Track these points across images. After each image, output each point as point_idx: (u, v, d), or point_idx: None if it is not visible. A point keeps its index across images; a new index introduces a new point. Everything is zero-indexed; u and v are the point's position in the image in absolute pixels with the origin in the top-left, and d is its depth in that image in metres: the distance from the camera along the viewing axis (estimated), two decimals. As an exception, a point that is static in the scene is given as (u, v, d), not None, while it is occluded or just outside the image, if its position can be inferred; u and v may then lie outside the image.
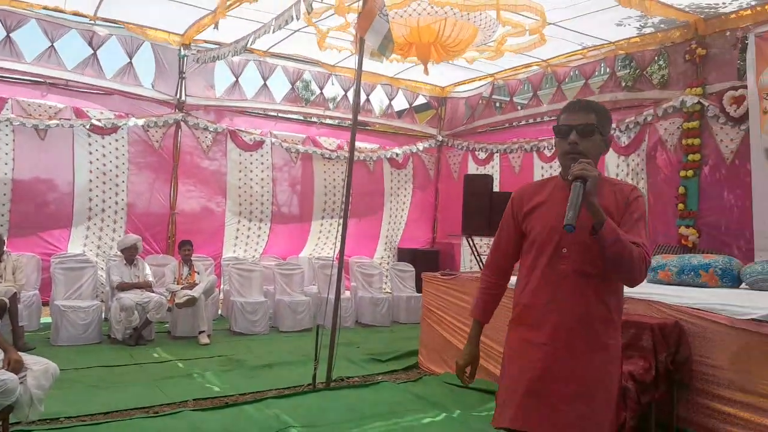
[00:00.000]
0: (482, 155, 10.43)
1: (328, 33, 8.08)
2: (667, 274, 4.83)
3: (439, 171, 11.47)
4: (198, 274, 7.33)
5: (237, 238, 9.32)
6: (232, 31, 7.79)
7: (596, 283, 2.02)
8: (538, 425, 2.02)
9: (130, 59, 8.46)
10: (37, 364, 3.45)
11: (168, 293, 7.00)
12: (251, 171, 9.48)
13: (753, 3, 6.72)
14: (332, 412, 4.41)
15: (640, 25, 7.75)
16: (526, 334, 2.14)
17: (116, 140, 8.37)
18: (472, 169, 10.51)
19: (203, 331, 6.80)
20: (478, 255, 8.49)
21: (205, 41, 8.76)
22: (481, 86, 10.58)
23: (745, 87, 6.69)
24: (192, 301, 6.79)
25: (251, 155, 9.49)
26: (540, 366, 2.05)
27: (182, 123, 8.81)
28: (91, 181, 8.19)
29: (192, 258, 7.46)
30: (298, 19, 6.51)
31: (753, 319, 3.38)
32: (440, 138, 11.27)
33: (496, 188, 9.11)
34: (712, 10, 7.02)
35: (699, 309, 3.69)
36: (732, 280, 4.57)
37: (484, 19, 7.14)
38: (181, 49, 8.70)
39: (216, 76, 9.30)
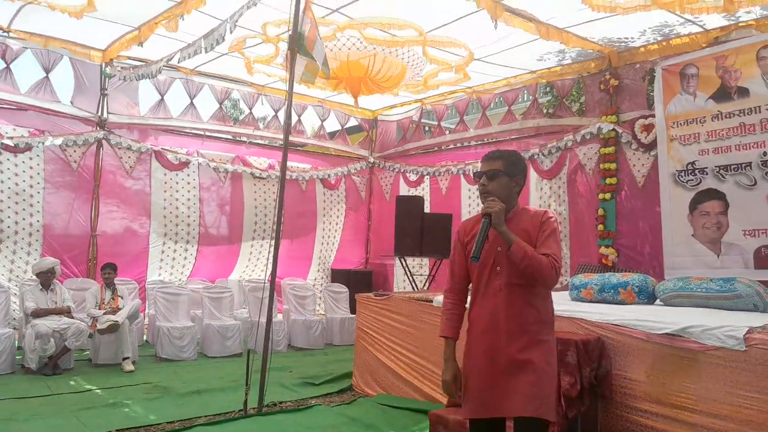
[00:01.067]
0: (413, 177, 10.63)
1: (256, 61, 8.12)
2: (589, 292, 5.08)
3: (371, 192, 11.58)
4: (121, 298, 7.03)
5: (162, 260, 9.01)
6: (157, 49, 7.63)
7: (525, 291, 2.46)
8: (497, 411, 2.43)
9: (47, 74, 8.09)
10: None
11: (89, 319, 6.66)
12: (177, 191, 9.22)
13: (659, 38, 7.28)
14: (265, 439, 4.33)
15: (559, 60, 8.23)
16: (476, 340, 2.54)
17: (30, 158, 7.94)
18: (404, 190, 10.69)
19: (127, 358, 6.51)
20: (411, 275, 8.61)
21: (129, 58, 8.53)
22: (411, 110, 10.84)
23: (654, 116, 7.21)
24: (115, 327, 6.50)
25: (177, 174, 9.24)
26: (487, 364, 2.46)
27: (104, 141, 8.49)
28: (2, 201, 7.71)
29: (115, 281, 7.14)
30: (224, 40, 6.48)
31: (667, 334, 3.62)
32: (372, 160, 11.40)
33: (427, 209, 9.29)
34: (623, 43, 7.54)
35: (618, 325, 3.91)
36: (648, 296, 4.87)
37: (412, 56, 7.39)
38: (103, 65, 8.41)
39: (140, 94, 9.06)
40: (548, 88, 9.71)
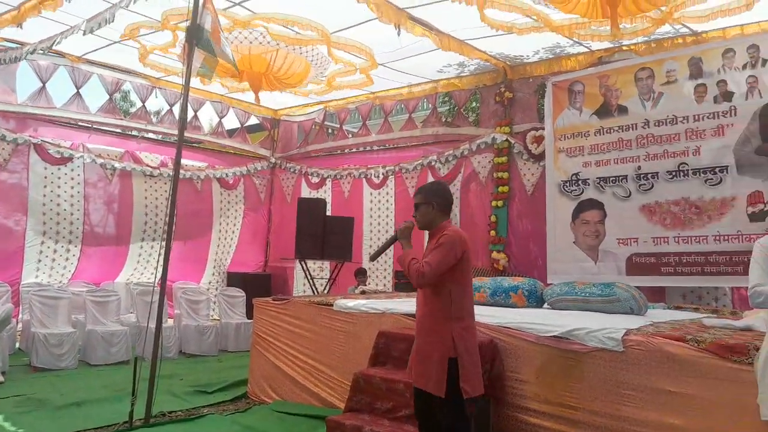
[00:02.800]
0: (315, 179, 10.55)
1: (152, 50, 7.72)
2: (482, 296, 5.27)
3: (272, 193, 11.35)
4: (-11, 303, 6.39)
5: (40, 261, 8.31)
6: (39, 32, 7.03)
7: (427, 292, 3.18)
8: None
9: None
10: None
11: (-51, 326, 6.00)
12: (59, 187, 8.56)
13: (551, 56, 7.72)
14: (153, 452, 4.10)
15: (459, 74, 8.52)
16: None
17: None
18: (305, 192, 10.59)
19: (-5, 369, 5.93)
20: (312, 279, 8.53)
21: (5, 39, 7.80)
22: (314, 112, 10.76)
23: (544, 128, 7.64)
24: (-19, 335, 5.90)
25: (59, 169, 8.58)
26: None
27: (-28, 130, 7.71)
28: None
29: (-18, 285, 6.49)
30: (110, 23, 6.11)
31: (554, 336, 3.82)
32: (273, 160, 11.19)
33: (329, 212, 9.25)
34: (518, 59, 7.93)
35: (510, 328, 4.09)
36: (537, 300, 5.14)
37: (317, 56, 7.35)
38: (-25, 46, 7.64)
39: (18, 80, 8.30)
40: (447, 98, 10.01)
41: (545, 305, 5.18)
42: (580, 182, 7.19)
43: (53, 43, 6.48)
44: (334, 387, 5.03)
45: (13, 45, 7.72)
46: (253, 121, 11.28)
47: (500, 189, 8.08)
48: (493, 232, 8.05)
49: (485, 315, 4.39)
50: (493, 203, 8.13)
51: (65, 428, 4.48)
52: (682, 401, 3.31)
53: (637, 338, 3.55)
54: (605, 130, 7.03)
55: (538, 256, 7.58)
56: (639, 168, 6.72)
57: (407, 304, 5.15)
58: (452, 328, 3.08)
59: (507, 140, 8.06)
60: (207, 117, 12.18)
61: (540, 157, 7.72)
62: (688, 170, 6.36)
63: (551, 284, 5.54)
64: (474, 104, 10.06)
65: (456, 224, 8.56)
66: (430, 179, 9.07)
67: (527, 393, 3.88)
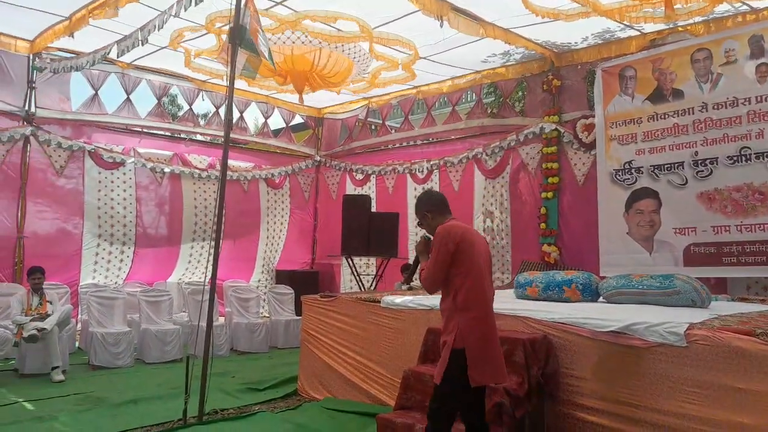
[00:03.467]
0: (359, 176, 10.54)
1: (198, 55, 7.84)
2: (534, 290, 5.12)
3: (317, 191, 11.41)
4: (50, 303, 6.61)
5: (96, 263, 8.58)
6: (89, 41, 7.24)
7: (441, 290, 3.27)
8: None
9: (-33, 66, 7.58)
10: None
11: (14, 326, 6.24)
12: (112, 190, 8.81)
13: (599, 41, 7.45)
14: (206, 449, 4.14)
15: (504, 63, 8.33)
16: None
17: (-51, 156, 7.40)
18: (350, 189, 10.59)
19: (57, 367, 6.12)
20: (359, 275, 8.51)
21: (60, 49, 8.06)
22: (357, 109, 10.74)
23: (594, 116, 7.39)
24: (44, 334, 6.10)
25: (112, 173, 8.83)
26: None
27: (31, 138, 7.99)
28: None
29: (43, 286, 6.72)
30: (160, 29, 6.22)
31: (612, 331, 3.66)
32: (318, 158, 11.24)
33: (373, 209, 9.22)
34: (565, 46, 7.69)
35: (564, 323, 3.93)
36: (591, 294, 4.95)
37: (358, 52, 7.30)
38: (31, 56, 7.92)
39: (72, 88, 8.59)
40: (492, 89, 9.84)
41: (600, 299, 4.98)
42: (633, 171, 6.93)
43: (108, 53, 6.65)
44: (384, 384, 4.98)
45: (67, 55, 7.98)
46: (297, 120, 11.35)
47: (550, 180, 7.86)
48: (543, 225, 7.85)
49: (538, 310, 4.25)
50: (543, 195, 7.92)
51: (123, 426, 4.58)
52: (752, 399, 3.10)
53: (702, 332, 3.35)
54: (659, 115, 6.75)
55: (590, 248, 7.34)
56: (696, 154, 6.43)
57: (456, 299, 5.06)
58: (459, 321, 3.12)
59: (556, 129, 7.83)
60: (252, 118, 12.37)
61: (591, 146, 7.48)
62: (750, 154, 6.04)
63: (606, 277, 5.33)
64: (520, 94, 9.83)
65: (507, 218, 8.53)
66: (477, 173, 8.94)
67: (584, 390, 3.73)
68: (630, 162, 6.97)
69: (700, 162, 6.38)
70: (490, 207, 8.79)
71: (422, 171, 9.57)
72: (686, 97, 6.50)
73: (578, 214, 7.67)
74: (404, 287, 7.78)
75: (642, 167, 6.86)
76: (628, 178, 6.97)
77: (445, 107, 9.88)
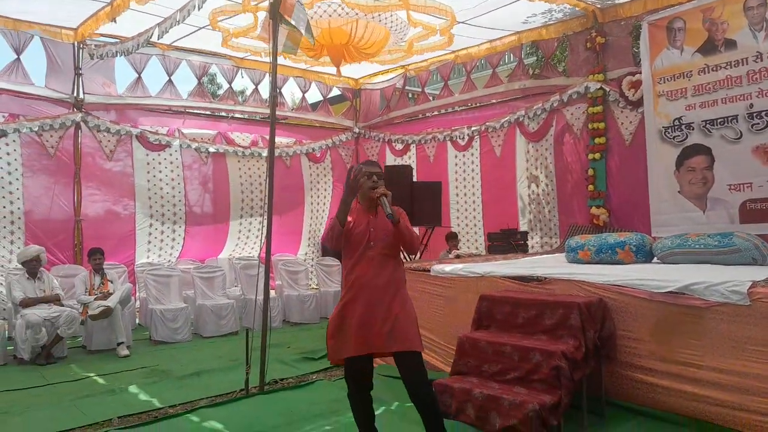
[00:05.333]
0: (399, 146, 10.51)
1: (236, 35, 7.86)
2: (586, 254, 5.07)
3: (357, 163, 11.42)
4: (111, 282, 6.90)
5: (150, 242, 8.86)
6: (131, 25, 7.36)
7: (390, 259, 3.31)
8: (372, 347, 3.22)
9: (18, 56, 7.81)
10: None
11: (80, 305, 6.55)
12: (160, 171, 9.03)
13: (645, -7, 7.16)
14: (270, 417, 4.30)
15: (545, 22, 8.09)
16: (356, 295, 3.26)
17: (7, 144, 7.70)
18: (390, 159, 10.58)
19: (122, 343, 6.43)
20: (403, 245, 8.55)
21: (103, 35, 8.22)
22: (394, 77, 10.64)
23: (641, 72, 7.15)
24: (107, 312, 6.39)
25: (159, 155, 9.04)
26: (366, 312, 3.22)
27: (82, 124, 8.24)
28: (-21, 189, 7.50)
29: (103, 266, 7.01)
30: (199, 9, 6.27)
31: (669, 292, 3.61)
32: (357, 130, 11.25)
33: (415, 178, 9.20)
34: (609, 1, 7.42)
35: (620, 285, 3.90)
36: (645, 255, 4.88)
37: (395, 21, 7.20)
38: (76, 44, 8.11)
39: (116, 73, 8.78)
40: (533, 49, 9.58)
41: (655, 260, 4.91)
42: (683, 127, 6.72)
43: (151, 36, 6.76)
44: (437, 350, 5.06)
45: (110, 40, 8.14)
46: (334, 92, 11.34)
47: (597, 140, 7.68)
48: (591, 187, 7.70)
49: (591, 273, 4.22)
50: (590, 156, 7.75)
51: (189, 397, 4.78)
52: (820, 356, 3.04)
53: (766, 290, 3.28)
54: (711, 68, 6.49)
55: (640, 209, 7.18)
56: (751, 106, 6.17)
57: (506, 266, 5.07)
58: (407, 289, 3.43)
59: (601, 88, 7.62)
60: (290, 92, 12.41)
61: (638, 104, 7.26)
62: (810, 104, 5.77)
63: (660, 238, 5.24)
64: (562, 53, 9.57)
65: (552, 182, 8.42)
66: (519, 137, 8.80)
67: (642, 352, 3.72)
68: (680, 118, 6.74)
69: (755, 114, 6.13)
70: (534, 171, 8.67)
71: (463, 138, 9.48)
72: (739, 47, 6.22)
73: (626, 174, 7.49)
74: (451, 255, 7.83)
75: (693, 123, 6.63)
76: (679, 135, 6.76)
77: (484, 70, 9.68)
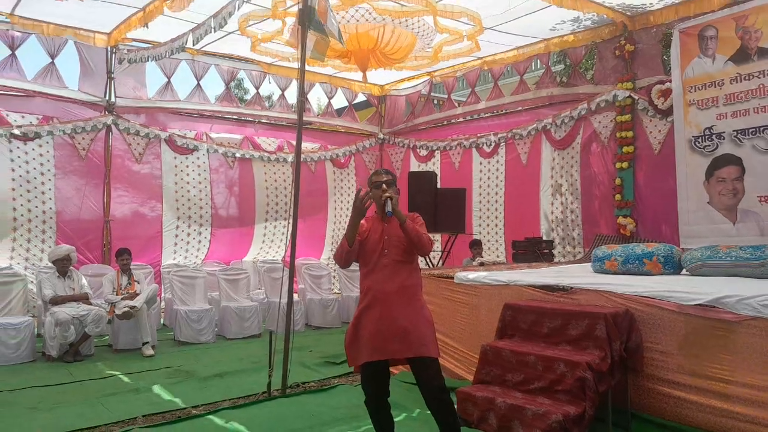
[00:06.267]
0: (423, 152, 10.51)
1: (264, 40, 7.95)
2: (613, 264, 5.00)
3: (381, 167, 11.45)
4: (138, 283, 7.01)
5: (176, 244, 8.99)
6: (162, 30, 7.49)
7: (407, 264, 3.35)
8: (386, 353, 3.23)
9: (53, 60, 8.01)
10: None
11: (107, 305, 6.67)
12: (187, 174, 9.17)
13: (676, 1, 7.07)
14: (292, 420, 4.32)
15: (573, 30, 8.04)
16: (370, 304, 3.29)
17: (40, 146, 7.90)
18: (414, 166, 10.58)
19: (147, 343, 6.52)
20: (426, 252, 8.53)
21: (135, 40, 8.39)
22: (419, 84, 10.66)
23: (671, 81, 7.05)
24: (134, 312, 6.49)
25: (187, 158, 9.17)
26: (379, 320, 3.24)
27: (113, 127, 8.40)
28: (14, 189, 7.70)
29: (131, 267, 7.12)
30: (232, 16, 6.36)
31: (699, 305, 3.54)
32: (381, 136, 11.28)
33: (438, 185, 9.18)
34: (639, 8, 7.34)
35: (648, 297, 3.84)
36: (674, 267, 4.79)
37: (422, 27, 7.22)
38: (109, 48, 8.29)
39: (147, 77, 8.94)
40: (561, 57, 9.52)
41: (684, 272, 4.82)
42: (714, 136, 6.60)
43: (185, 43, 6.87)
44: (460, 359, 5.03)
45: (142, 45, 8.30)
46: (360, 98, 11.40)
47: (624, 149, 7.59)
48: (618, 196, 7.61)
49: (618, 284, 4.16)
50: (618, 165, 7.66)
51: (212, 397, 4.82)
52: None
53: (800, 305, 3.20)
54: (743, 76, 6.37)
55: (668, 219, 7.07)
56: (785, 116, 6.03)
57: (531, 275, 5.02)
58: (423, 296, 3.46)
59: (630, 96, 7.53)
60: (316, 98, 12.50)
61: (668, 113, 7.16)
62: None
63: (689, 249, 5.14)
64: (591, 61, 9.49)
65: (577, 190, 8.33)
66: (545, 144, 8.73)
67: (669, 365, 3.65)
68: (710, 127, 6.63)
69: (788, 125, 6.00)
70: (560, 179, 8.60)
71: (489, 144, 9.44)
72: (773, 56, 6.10)
73: (655, 184, 7.39)
74: (475, 262, 7.79)
75: (723, 132, 6.51)
76: (709, 145, 6.65)
77: (511, 77, 9.64)
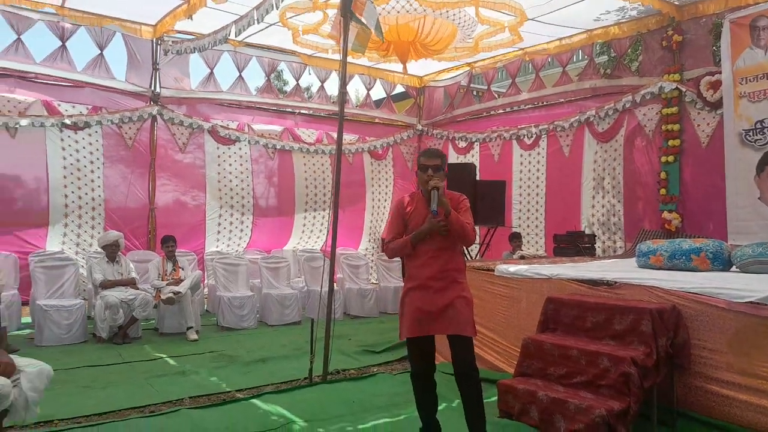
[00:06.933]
0: (462, 144, 10.46)
1: (305, 32, 8.00)
2: (658, 259, 4.91)
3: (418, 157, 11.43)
4: (182, 269, 7.21)
5: (219, 232, 9.20)
6: (206, 22, 7.62)
7: (449, 249, 3.43)
8: (426, 330, 3.42)
9: (101, 51, 8.23)
10: (29, 365, 3.34)
11: (153, 290, 6.87)
12: (230, 165, 9.34)
13: (728, -10, 6.86)
14: (333, 406, 4.39)
15: (618, 20, 7.87)
16: (408, 287, 3.52)
17: (89, 134, 8.15)
18: (453, 157, 10.55)
19: (191, 327, 6.70)
20: (465, 244, 8.52)
21: (179, 31, 8.56)
22: (459, 75, 10.59)
23: (721, 72, 6.86)
24: (179, 297, 6.68)
25: (229, 148, 9.34)
26: (424, 303, 3.40)
27: (158, 117, 8.61)
28: (65, 177, 7.98)
29: (176, 253, 7.32)
30: (277, 8, 6.43)
31: (750, 302, 3.46)
32: (420, 127, 11.26)
33: (477, 177, 9.13)
34: (690, -2, 7.15)
35: (696, 293, 3.77)
36: (723, 263, 4.68)
37: (463, 17, 7.18)
38: (154, 40, 8.48)
39: (190, 68, 9.12)
40: (605, 48, 9.33)
41: (733, 268, 4.70)
42: (765, 130, 6.40)
43: (228, 34, 6.99)
44: (499, 351, 5.03)
45: (186, 36, 8.46)
46: (398, 89, 11.39)
47: (670, 143, 7.42)
48: (663, 191, 7.45)
49: (664, 279, 4.09)
50: (663, 159, 7.50)
51: (255, 382, 4.95)
52: None
53: None
54: (797, 68, 6.16)
55: (716, 214, 6.90)
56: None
57: (573, 269, 4.98)
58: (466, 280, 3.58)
59: (677, 89, 7.35)
60: (354, 90, 12.53)
61: (717, 105, 6.97)
62: None
63: (738, 245, 5.01)
64: (636, 52, 9.28)
65: (619, 184, 8.20)
66: (587, 137, 8.60)
67: (718, 363, 3.58)
68: (762, 121, 6.43)
69: None
70: (602, 173, 8.46)
71: (530, 136, 9.34)
72: (831, 47, 5.88)
73: (702, 178, 7.21)
74: (515, 255, 7.74)
75: (776, 126, 6.32)
76: (760, 139, 6.45)
77: (553, 68, 9.50)
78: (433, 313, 3.38)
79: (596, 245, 8.09)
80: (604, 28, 8.15)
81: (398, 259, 9.26)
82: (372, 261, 9.82)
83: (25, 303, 7.08)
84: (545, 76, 9.49)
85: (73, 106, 8.07)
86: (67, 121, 7.89)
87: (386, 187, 11.07)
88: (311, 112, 10.35)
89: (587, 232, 8.30)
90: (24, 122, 7.54)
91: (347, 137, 10.53)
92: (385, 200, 11.06)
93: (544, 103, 9.38)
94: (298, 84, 10.11)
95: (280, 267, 8.17)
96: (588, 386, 3.62)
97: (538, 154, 9.34)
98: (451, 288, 3.39)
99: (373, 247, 10.72)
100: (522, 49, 9.14)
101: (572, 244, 7.57)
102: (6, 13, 7.42)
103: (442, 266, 3.40)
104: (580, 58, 9.85)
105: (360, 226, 10.64)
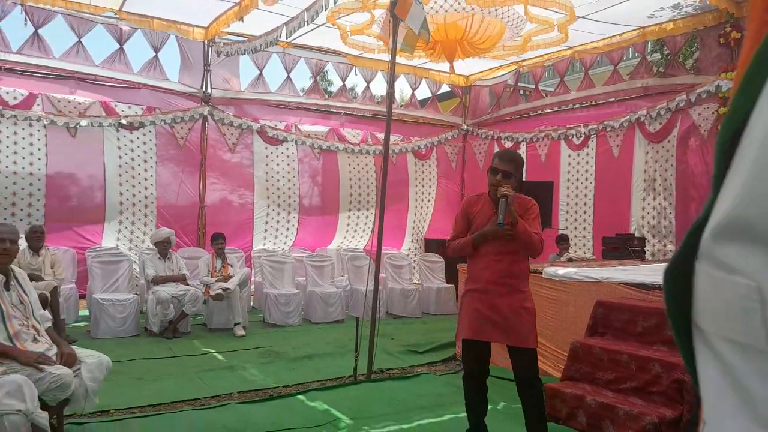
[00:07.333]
0: (508, 144, 10.34)
1: (353, 32, 8.06)
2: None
3: (464, 160, 11.40)
4: (231, 266, 7.37)
5: (266, 230, 9.37)
6: (255, 23, 7.77)
7: (514, 256, 3.31)
8: (484, 335, 3.33)
9: (156, 53, 8.50)
10: (90, 356, 3.49)
11: (203, 286, 7.05)
12: (277, 164, 9.50)
13: (792, -16, 6.56)
14: (377, 405, 4.42)
15: (672, 17, 7.64)
16: (467, 288, 3.45)
17: (143, 134, 8.43)
18: (497, 157, 10.42)
19: (239, 323, 6.85)
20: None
21: (230, 33, 8.75)
22: (505, 74, 10.48)
23: (783, 70, 6.58)
24: (227, 294, 6.84)
25: (277, 148, 9.50)
26: (484, 306, 3.31)
27: (209, 117, 8.83)
28: (120, 175, 8.28)
29: (225, 251, 7.50)
30: (326, 9, 6.50)
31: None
32: (465, 127, 11.20)
33: (524, 177, 9.03)
34: (749, -8, 6.87)
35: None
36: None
37: (511, 16, 7.10)
38: (206, 42, 8.70)
39: (240, 69, 9.31)
40: (658, 45, 9.08)
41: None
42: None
43: (279, 36, 7.12)
44: (546, 354, 4.96)
45: (237, 38, 8.65)
46: (443, 89, 11.35)
47: (727, 143, 7.16)
48: (719, 193, 7.19)
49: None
50: (720, 160, 7.24)
51: (301, 378, 5.02)
52: None
53: None
54: None
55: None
56: None
57: (624, 272, 4.88)
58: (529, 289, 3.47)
59: (734, 87, 7.09)
60: (398, 89, 12.54)
61: (776, 104, 6.68)
62: None
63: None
64: (690, 49, 8.99)
65: (671, 186, 7.96)
66: (638, 137, 8.39)
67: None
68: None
69: None
70: (653, 174, 8.23)
71: (579, 136, 9.17)
72: None
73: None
74: (563, 258, 7.63)
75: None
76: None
77: (603, 66, 9.30)
78: (493, 319, 3.27)
79: (646, 249, 7.88)
80: (658, 25, 7.92)
81: (440, 259, 9.34)
82: (415, 261, 9.82)
83: (81, 296, 7.38)
84: (594, 75, 9.30)
85: (129, 107, 8.36)
86: (124, 122, 8.18)
87: (430, 187, 11.05)
88: (356, 112, 10.42)
89: (637, 235, 8.09)
90: (84, 122, 7.86)
91: (392, 137, 10.51)
92: (429, 201, 11.04)
93: (594, 102, 9.19)
94: (344, 84, 10.20)
95: (325, 265, 8.26)
96: (638, 392, 3.56)
97: (587, 154, 9.16)
98: (513, 295, 3.27)
99: (416, 248, 10.72)
100: (571, 47, 8.98)
101: (621, 247, 7.40)
102: (68, 16, 7.75)
103: (504, 270, 3.28)
104: (632, 56, 9.61)
105: (403, 226, 10.66)
